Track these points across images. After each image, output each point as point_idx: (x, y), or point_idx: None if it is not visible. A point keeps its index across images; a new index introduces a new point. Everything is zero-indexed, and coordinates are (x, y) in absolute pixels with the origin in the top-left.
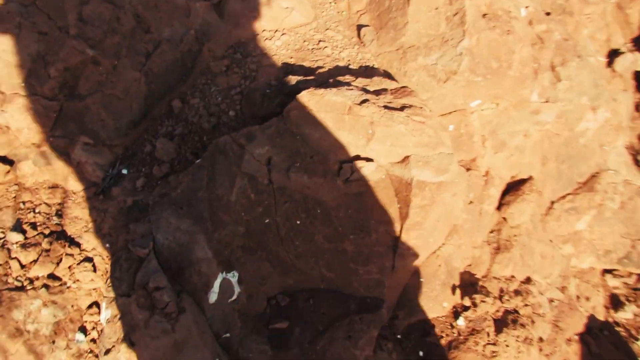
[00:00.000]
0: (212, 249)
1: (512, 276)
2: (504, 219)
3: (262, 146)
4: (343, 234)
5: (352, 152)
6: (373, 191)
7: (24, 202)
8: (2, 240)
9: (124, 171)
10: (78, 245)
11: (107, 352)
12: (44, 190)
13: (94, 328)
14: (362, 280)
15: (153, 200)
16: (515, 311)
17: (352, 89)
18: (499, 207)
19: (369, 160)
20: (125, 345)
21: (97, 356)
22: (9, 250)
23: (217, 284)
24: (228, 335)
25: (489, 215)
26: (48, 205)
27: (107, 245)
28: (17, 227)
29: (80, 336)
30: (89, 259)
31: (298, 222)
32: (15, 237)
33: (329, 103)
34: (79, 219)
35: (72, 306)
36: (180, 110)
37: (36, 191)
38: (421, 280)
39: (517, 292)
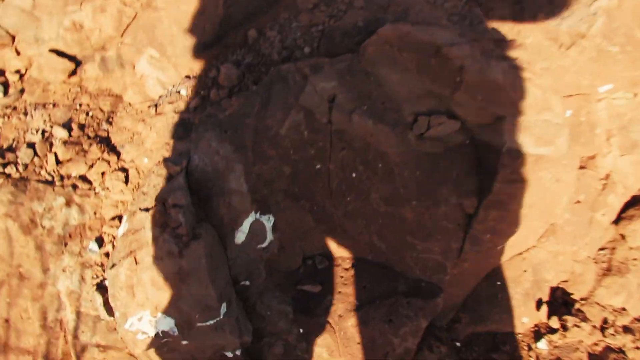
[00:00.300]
0: (249, 183)
1: (623, 308)
2: (622, 236)
3: (328, 81)
4: (405, 198)
5: (433, 105)
6: (451, 154)
7: (80, 104)
8: (47, 134)
9: (182, 92)
10: (118, 154)
11: (113, 266)
12: (103, 97)
13: (110, 242)
14: (418, 259)
15: (199, 119)
16: (621, 351)
17: (444, 30)
18: (616, 221)
19: (451, 116)
20: (129, 262)
21: (104, 270)
22: (51, 144)
23: (247, 224)
24: (247, 283)
25: (603, 227)
26: (102, 111)
27: (146, 160)
28: (66, 125)
29: (94, 246)
30: (123, 169)
31: (353, 174)
32: (61, 133)
33: (414, 41)
34: (126, 129)
35: (95, 213)
36: (255, 40)
37: (95, 97)
38: (498, 283)
39: (627, 329)
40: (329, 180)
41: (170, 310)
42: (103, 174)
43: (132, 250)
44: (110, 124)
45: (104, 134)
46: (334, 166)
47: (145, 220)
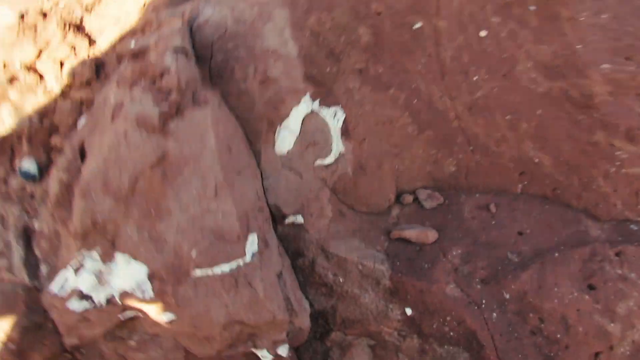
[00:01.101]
0: (300, 42)
1: None
2: None
3: None
4: (587, 60)
5: None
6: None
7: None
8: None
9: None
10: (90, 40)
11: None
12: None
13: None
14: (620, 180)
15: None
16: None
17: None
18: None
19: None
20: (70, 157)
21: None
22: None
23: (297, 117)
24: (300, 219)
25: None
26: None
27: (133, 43)
28: None
29: (30, 166)
30: (97, 60)
31: (482, 32)
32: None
33: None
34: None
35: (42, 119)
36: None
37: None
38: None
39: None
40: (437, 49)
41: (138, 248)
42: (61, 63)
43: (82, 139)
44: (89, 11)
45: (76, 20)
46: (446, 22)
47: (112, 83)
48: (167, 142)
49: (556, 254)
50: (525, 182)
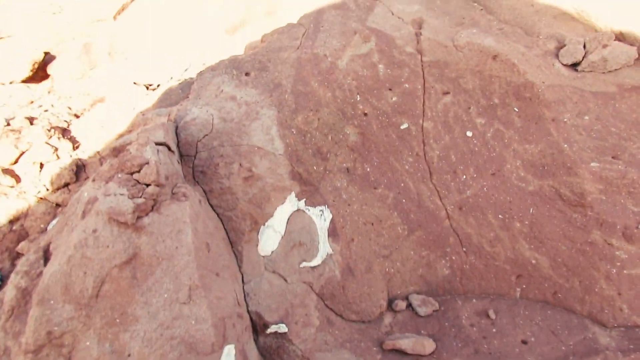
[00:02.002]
0: (286, 140)
1: None
2: None
3: (410, 3)
4: (576, 158)
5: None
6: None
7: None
8: None
9: None
10: (74, 143)
11: None
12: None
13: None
14: (624, 282)
15: (206, 67)
16: None
17: None
18: None
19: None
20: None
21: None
22: None
23: (282, 215)
24: (283, 329)
25: None
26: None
27: None
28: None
29: None
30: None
31: (469, 133)
32: None
33: None
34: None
35: (12, 222)
36: None
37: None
38: None
39: None
40: (424, 148)
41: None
42: (41, 165)
43: (49, 240)
44: (77, 116)
45: (64, 124)
46: (432, 123)
47: (89, 180)
48: (139, 238)
49: None
50: (524, 286)
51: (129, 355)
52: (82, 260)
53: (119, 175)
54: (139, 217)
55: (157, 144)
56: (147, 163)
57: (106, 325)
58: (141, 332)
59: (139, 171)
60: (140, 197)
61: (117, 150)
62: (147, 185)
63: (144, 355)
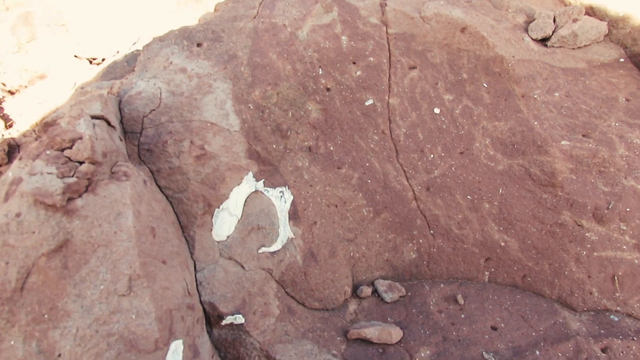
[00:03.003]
0: (243, 116)
1: None
2: None
3: None
4: (547, 137)
5: None
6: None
7: None
8: None
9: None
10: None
11: None
12: None
13: None
14: (593, 265)
15: (154, 39)
16: None
17: None
18: None
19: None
20: None
21: None
22: None
23: (238, 197)
24: (240, 320)
25: None
26: None
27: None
28: None
29: None
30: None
31: (436, 110)
32: None
33: None
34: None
35: None
36: None
37: None
38: None
39: None
40: (390, 126)
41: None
42: None
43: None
44: (12, 93)
45: None
46: (398, 99)
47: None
48: (71, 223)
49: (537, 352)
50: (493, 269)
51: (59, 356)
52: (4, 249)
53: (48, 152)
54: (70, 199)
55: (94, 117)
56: (81, 138)
57: (32, 321)
58: (73, 329)
59: (70, 147)
60: (72, 176)
61: (47, 125)
62: (81, 163)
63: (76, 355)
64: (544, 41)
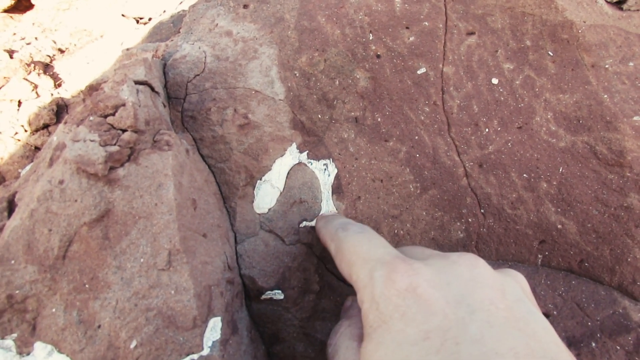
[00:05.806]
0: (288, 83)
1: None
2: None
3: None
4: (618, 111)
5: None
6: None
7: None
8: None
9: None
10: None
11: None
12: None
13: None
14: None
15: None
16: None
17: None
18: None
19: None
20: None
21: None
22: None
23: (281, 168)
24: (279, 295)
25: None
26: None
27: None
28: None
29: None
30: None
31: (494, 80)
32: None
33: None
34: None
35: None
36: None
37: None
38: None
39: None
40: (443, 97)
41: (64, 335)
42: (19, 103)
43: (15, 190)
44: (62, 52)
45: (47, 59)
46: (453, 68)
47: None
48: (113, 193)
49: (593, 344)
50: (547, 253)
51: (98, 327)
52: (47, 216)
53: (91, 119)
54: (112, 168)
55: (137, 82)
56: (124, 105)
57: (74, 290)
58: (113, 301)
59: (113, 114)
60: (115, 144)
61: (92, 89)
62: (123, 130)
63: (115, 328)
64: (619, 4)
